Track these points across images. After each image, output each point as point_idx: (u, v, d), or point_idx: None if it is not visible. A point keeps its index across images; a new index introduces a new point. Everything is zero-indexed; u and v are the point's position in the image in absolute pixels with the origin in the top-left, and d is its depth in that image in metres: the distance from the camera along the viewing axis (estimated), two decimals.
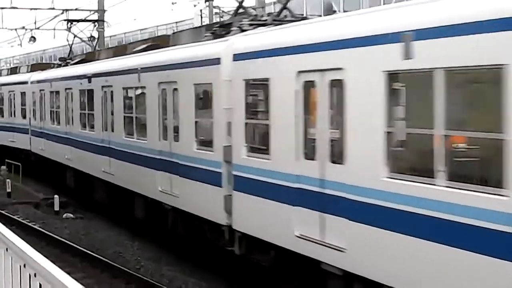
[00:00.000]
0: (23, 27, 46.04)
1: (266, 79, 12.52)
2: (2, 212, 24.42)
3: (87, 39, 44.29)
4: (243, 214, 13.37)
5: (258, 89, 13.32)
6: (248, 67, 13.26)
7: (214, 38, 15.48)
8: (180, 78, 16.13)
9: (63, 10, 40.25)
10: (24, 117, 34.51)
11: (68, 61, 30.44)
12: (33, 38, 45.41)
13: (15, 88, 36.43)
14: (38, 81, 31.86)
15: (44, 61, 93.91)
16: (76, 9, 41.62)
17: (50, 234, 20.60)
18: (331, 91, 10.80)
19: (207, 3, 42.45)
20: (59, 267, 5.69)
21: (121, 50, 24.07)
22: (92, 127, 23.38)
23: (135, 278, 15.94)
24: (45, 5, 41.10)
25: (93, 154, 23.00)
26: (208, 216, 14.70)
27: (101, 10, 40.42)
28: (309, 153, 11.29)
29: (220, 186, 14.09)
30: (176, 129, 16.42)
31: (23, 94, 34.84)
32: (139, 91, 19.30)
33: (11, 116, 37.28)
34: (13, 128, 36.44)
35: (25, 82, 34.38)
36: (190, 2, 55.95)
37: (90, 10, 41.51)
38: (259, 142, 13.15)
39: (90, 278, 16.38)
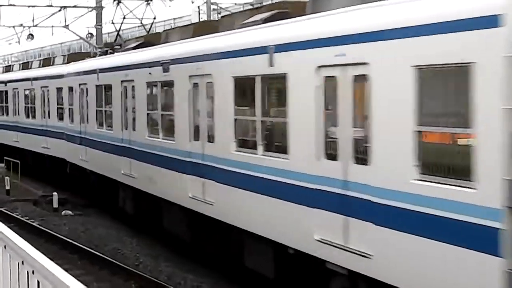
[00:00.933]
0: (21, 25, 45.98)
1: None
2: (1, 209, 24.43)
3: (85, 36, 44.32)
4: None
5: None
6: None
7: None
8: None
9: (61, 7, 40.21)
10: (61, 118, 28.49)
11: (116, 47, 24.32)
12: (31, 36, 45.36)
13: (49, 83, 30.14)
14: (77, 73, 25.54)
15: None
16: (74, 6, 41.58)
17: (49, 231, 20.62)
18: None
19: None
20: (58, 264, 5.71)
21: (209, 26, 17.09)
22: (171, 134, 16.76)
23: (134, 274, 15.97)
24: (43, 3, 40.95)
25: (175, 172, 16.57)
26: None
27: (98, 7, 40.39)
28: None
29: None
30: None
31: (59, 90, 28.69)
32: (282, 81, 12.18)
33: (44, 117, 31.02)
34: (47, 132, 30.30)
35: (61, 76, 28.03)
36: None
37: (88, 7, 41.49)
38: None
39: (89, 275, 16.40)
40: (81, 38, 44.64)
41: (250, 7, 32.58)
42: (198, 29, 17.11)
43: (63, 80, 27.69)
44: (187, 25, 20.05)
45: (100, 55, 25.53)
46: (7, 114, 37.07)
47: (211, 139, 14.60)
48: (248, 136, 13.46)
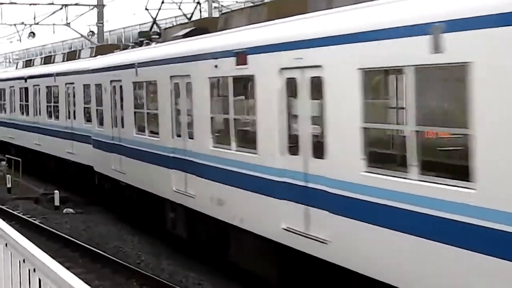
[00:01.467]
0: (22, 23, 46.01)
1: None
2: (3, 207, 24.43)
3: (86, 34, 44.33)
4: None
5: None
6: None
7: None
8: None
9: (62, 5, 40.23)
10: (89, 120, 24.96)
11: (154, 36, 20.56)
12: (32, 34, 45.39)
13: (74, 79, 26.54)
14: (108, 68, 21.62)
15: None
16: (76, 4, 41.58)
17: (50, 229, 20.62)
18: None
19: None
20: (59, 262, 5.71)
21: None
22: (251, 144, 13.08)
23: (136, 272, 15.96)
24: (44, 0, 40.94)
25: (262, 196, 12.71)
26: None
27: (100, 5, 40.39)
28: None
29: None
30: None
31: (86, 87, 25.03)
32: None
33: (68, 118, 27.42)
34: (73, 135, 26.90)
35: (88, 71, 24.30)
36: None
37: (90, 5, 41.49)
38: None
39: (91, 273, 16.40)
40: (82, 36, 44.66)
41: (251, 4, 32.60)
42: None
43: (91, 76, 23.66)
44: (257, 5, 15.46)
45: (133, 47, 21.46)
46: (27, 114, 33.32)
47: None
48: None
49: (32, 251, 6.08)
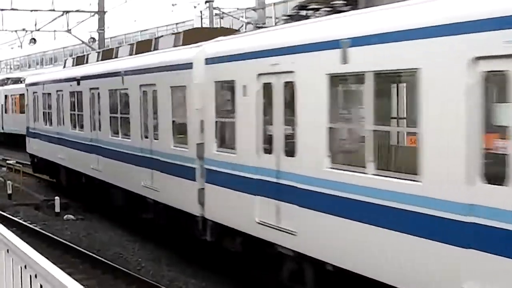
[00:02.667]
0: (24, 29, 46.12)
1: None
2: (3, 213, 24.44)
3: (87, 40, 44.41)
4: None
5: None
6: None
7: None
8: None
9: (64, 11, 40.32)
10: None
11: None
12: (33, 40, 45.49)
13: (158, 79, 17.59)
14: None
15: (44, 64, 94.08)
16: (77, 11, 41.68)
17: (51, 235, 20.62)
18: None
19: (207, 4, 42.47)
20: (60, 268, 5.72)
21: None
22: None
23: (136, 279, 15.97)
24: (45, 7, 41.03)
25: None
26: None
27: (101, 12, 40.47)
28: None
29: None
30: None
31: (176, 90, 16.77)
32: None
33: (146, 137, 18.47)
34: (152, 163, 17.91)
35: (184, 66, 16.19)
36: (190, 4, 56.07)
37: (91, 12, 41.58)
38: None
39: (91, 279, 16.40)
40: (83, 42, 44.74)
41: (252, 11, 32.64)
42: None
43: (186, 74, 15.88)
44: None
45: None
46: (81, 128, 24.50)
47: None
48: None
49: (33, 257, 6.10)
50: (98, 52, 25.90)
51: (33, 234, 21.11)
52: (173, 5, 67.16)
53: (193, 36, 17.32)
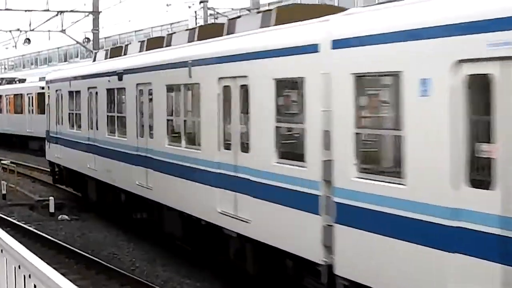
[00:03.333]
0: (18, 29, 46.08)
1: None
2: None
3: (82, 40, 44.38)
4: None
5: None
6: None
7: None
8: None
9: (58, 12, 40.31)
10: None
11: None
12: (27, 40, 45.46)
13: (249, 68, 13.25)
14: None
15: (39, 64, 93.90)
16: (71, 11, 41.67)
17: (45, 235, 20.61)
18: None
19: (202, 4, 42.49)
20: (54, 268, 5.74)
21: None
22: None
23: (130, 279, 15.97)
24: (40, 7, 41.00)
25: None
26: None
27: (95, 12, 40.47)
28: None
29: None
30: None
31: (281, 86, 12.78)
32: None
33: (228, 148, 13.95)
34: (236, 184, 13.60)
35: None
36: (185, 4, 56.07)
37: (85, 12, 41.58)
38: None
39: (85, 280, 16.41)
40: (78, 42, 44.72)
41: (247, 12, 32.69)
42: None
43: (304, 62, 11.62)
44: None
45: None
46: (122, 133, 19.97)
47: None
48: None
49: (27, 257, 6.11)
50: (142, 41, 21.15)
51: (28, 234, 21.10)
52: (167, 5, 67.23)
53: (288, 13, 13.75)
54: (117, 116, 20.58)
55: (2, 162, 34.40)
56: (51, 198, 25.52)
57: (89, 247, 19.34)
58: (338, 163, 10.40)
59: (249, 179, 13.03)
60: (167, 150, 16.86)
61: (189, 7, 53.85)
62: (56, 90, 27.27)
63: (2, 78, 57.76)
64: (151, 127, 17.87)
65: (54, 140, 27.77)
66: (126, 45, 22.55)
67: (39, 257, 6.06)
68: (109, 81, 20.95)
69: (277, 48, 12.25)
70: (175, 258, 17.62)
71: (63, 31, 41.51)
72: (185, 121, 16.24)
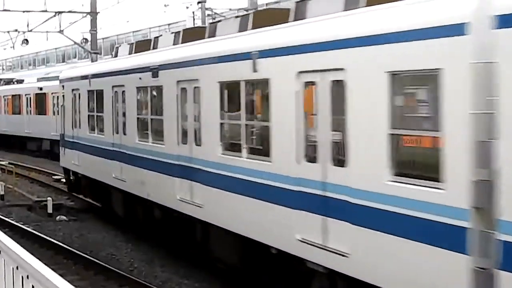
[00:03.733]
0: (16, 30, 46.02)
1: None
2: None
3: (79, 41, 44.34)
4: None
5: None
6: None
7: None
8: None
9: (56, 12, 40.27)
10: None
11: None
12: (25, 41, 45.41)
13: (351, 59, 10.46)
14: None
15: (37, 64, 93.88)
16: (69, 12, 41.63)
17: (44, 236, 20.59)
18: None
19: (200, 5, 42.47)
20: (52, 269, 5.74)
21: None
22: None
23: (129, 280, 15.96)
24: (37, 8, 40.97)
25: None
26: None
27: (93, 13, 40.44)
28: None
29: None
30: None
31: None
32: None
33: (315, 161, 11.03)
34: (327, 210, 10.72)
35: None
36: (183, 4, 56.02)
37: (83, 13, 41.55)
38: None
39: (83, 280, 16.40)
40: (75, 43, 44.69)
41: (245, 12, 32.67)
42: None
43: (442, 48, 8.68)
44: None
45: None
46: (158, 139, 17.35)
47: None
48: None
49: (25, 258, 6.11)
50: (176, 33, 18.50)
51: (26, 235, 21.07)
52: (165, 5, 67.17)
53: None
54: (151, 119, 17.85)
55: (0, 163, 34.38)
56: (49, 198, 25.50)
57: (87, 247, 19.32)
58: (508, 187, 7.52)
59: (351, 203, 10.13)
60: (221, 160, 14.04)
61: (187, 7, 53.81)
62: (73, 90, 24.53)
63: (0, 79, 57.73)
64: (197, 133, 15.27)
65: (70, 145, 25.15)
66: (156, 38, 19.73)
67: (37, 258, 6.05)
68: (140, 78, 18.29)
69: (391, 31, 9.35)
70: (174, 259, 17.61)
71: (61, 31, 41.47)
72: (247, 125, 13.16)
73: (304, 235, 11.12)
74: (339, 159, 10.40)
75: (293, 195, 11.37)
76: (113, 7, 50.27)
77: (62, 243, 19.71)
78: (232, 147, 13.95)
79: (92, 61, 38.56)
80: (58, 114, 40.80)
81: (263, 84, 12.50)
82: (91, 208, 24.42)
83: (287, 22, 12.48)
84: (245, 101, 13.23)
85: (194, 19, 48.12)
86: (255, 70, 12.58)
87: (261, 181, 12.38)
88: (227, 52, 13.92)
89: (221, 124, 14.31)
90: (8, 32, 46.47)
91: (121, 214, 21.05)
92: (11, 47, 52.48)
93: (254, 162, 12.81)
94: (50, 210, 24.93)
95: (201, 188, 15.06)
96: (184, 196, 15.84)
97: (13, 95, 49.69)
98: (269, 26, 12.91)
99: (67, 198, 27.65)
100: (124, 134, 19.59)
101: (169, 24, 64.72)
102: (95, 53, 40.91)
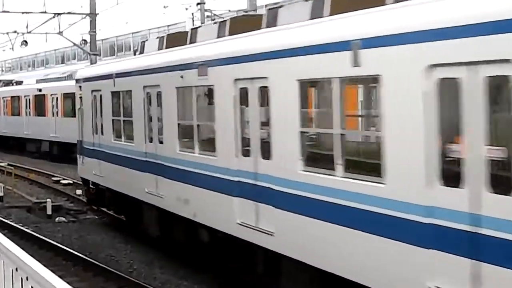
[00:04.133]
0: (15, 31, 46.02)
1: None
2: None
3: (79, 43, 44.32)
4: None
5: None
6: None
7: None
8: None
9: (55, 14, 40.28)
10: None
11: None
12: (25, 42, 45.38)
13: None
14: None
15: (36, 66, 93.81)
16: (68, 13, 41.64)
17: (43, 238, 20.59)
18: None
19: (199, 6, 42.48)
20: (51, 270, 5.74)
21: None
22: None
23: (128, 281, 15.95)
24: (37, 9, 40.97)
25: None
26: None
27: (93, 14, 40.45)
28: None
29: None
30: None
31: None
32: None
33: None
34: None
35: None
36: (182, 6, 56.01)
37: (82, 14, 41.55)
38: None
39: (83, 282, 16.40)
40: (75, 44, 44.68)
41: (244, 13, 32.66)
42: None
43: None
44: None
45: None
46: (209, 149, 14.59)
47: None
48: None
49: (24, 259, 6.11)
50: (221, 23, 15.63)
51: (25, 237, 21.07)
52: (164, 7, 67.10)
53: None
54: (198, 125, 15.13)
55: (0, 164, 34.36)
56: (48, 200, 25.51)
57: (86, 249, 19.32)
58: None
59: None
60: (301, 178, 11.23)
61: (186, 9, 53.80)
62: (92, 91, 21.83)
63: (0, 80, 57.73)
64: (264, 143, 12.45)
65: (90, 153, 22.33)
66: (193, 29, 17.00)
67: (37, 259, 6.05)
68: (181, 77, 15.54)
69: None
70: (173, 260, 17.61)
71: (60, 33, 41.47)
72: (342, 135, 10.32)
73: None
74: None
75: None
76: (112, 8, 50.21)
77: (62, 244, 19.71)
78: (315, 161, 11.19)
79: (91, 62, 38.54)
80: (57, 115, 40.95)
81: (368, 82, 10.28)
82: (90, 209, 24.42)
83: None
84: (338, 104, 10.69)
85: (193, 21, 48.11)
86: (355, 64, 9.78)
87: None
88: (312, 42, 11.03)
89: (301, 132, 11.17)
90: (7, 33, 46.47)
91: (154, 233, 18.32)
92: (10, 48, 52.42)
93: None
94: (49, 211, 24.94)
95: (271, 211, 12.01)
96: (246, 221, 12.80)
97: (12, 97, 49.70)
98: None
99: (66, 200, 27.65)
100: (160, 142, 16.94)
101: (168, 26, 64.71)
102: (94, 54, 40.95)
